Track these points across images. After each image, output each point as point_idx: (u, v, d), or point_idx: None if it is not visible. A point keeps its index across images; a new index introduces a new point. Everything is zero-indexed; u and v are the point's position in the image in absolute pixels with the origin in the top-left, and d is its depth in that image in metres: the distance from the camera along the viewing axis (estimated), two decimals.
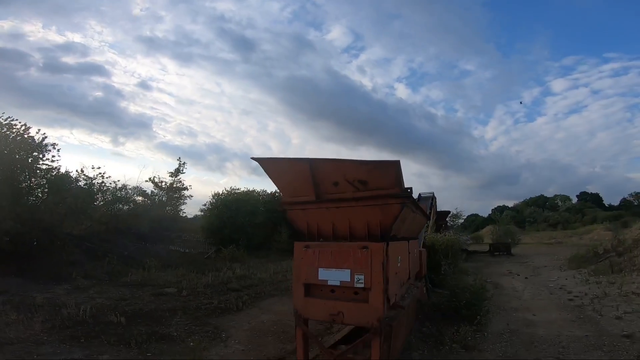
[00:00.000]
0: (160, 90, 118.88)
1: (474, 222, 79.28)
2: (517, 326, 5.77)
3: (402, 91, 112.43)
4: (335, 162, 3.58)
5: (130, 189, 14.29)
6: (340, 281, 3.42)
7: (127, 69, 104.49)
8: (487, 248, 18.87)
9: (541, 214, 68.09)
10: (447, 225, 15.68)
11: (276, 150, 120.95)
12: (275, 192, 23.67)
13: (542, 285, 9.09)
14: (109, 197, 13.21)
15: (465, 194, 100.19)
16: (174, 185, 16.62)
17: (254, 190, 22.20)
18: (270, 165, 3.89)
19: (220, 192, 21.31)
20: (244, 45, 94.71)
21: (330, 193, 3.61)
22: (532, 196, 76.12)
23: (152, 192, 16.37)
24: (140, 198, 15.00)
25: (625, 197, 65.28)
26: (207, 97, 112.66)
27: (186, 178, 76.44)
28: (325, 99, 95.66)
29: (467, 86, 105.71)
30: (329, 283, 3.49)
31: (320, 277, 3.54)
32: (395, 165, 3.26)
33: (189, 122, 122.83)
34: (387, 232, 3.45)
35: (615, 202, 65.97)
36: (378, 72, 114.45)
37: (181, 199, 16.99)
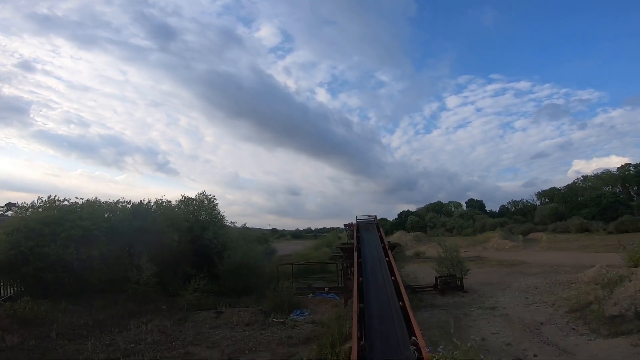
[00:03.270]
0: (47, 74, 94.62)
1: (384, 227, 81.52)
2: None
3: (322, 96, 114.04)
4: None
5: None
6: None
7: (7, 48, 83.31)
8: (426, 278, 15.11)
9: (439, 219, 73.36)
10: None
11: (187, 148, 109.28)
12: (143, 201, 15.67)
13: None
14: None
15: (374, 198, 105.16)
16: None
17: (96, 201, 13.86)
18: None
19: (31, 204, 12.47)
20: (163, 33, 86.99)
21: None
22: (426, 201, 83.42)
23: None
24: None
25: (504, 204, 74.94)
26: (108, 85, 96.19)
27: (72, 173, 61.73)
28: (248, 97, 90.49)
29: (381, 96, 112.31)
30: None
31: None
32: None
33: (79, 111, 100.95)
34: None
35: (494, 208, 75.53)
36: (303, 75, 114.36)
37: None
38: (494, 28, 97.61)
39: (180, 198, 17.73)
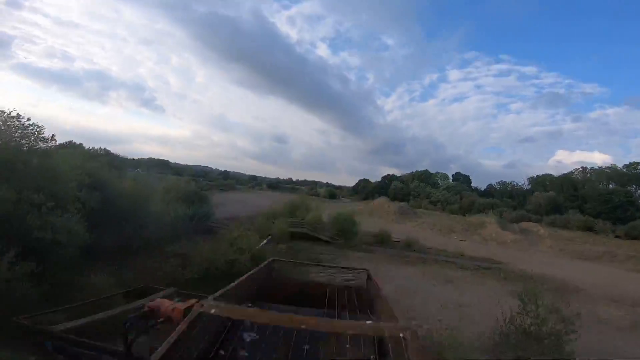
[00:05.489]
0: (34, 10, 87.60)
1: (365, 189, 75.88)
2: None
3: (323, 51, 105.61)
4: None
5: None
6: None
7: None
8: None
9: (424, 189, 68.18)
10: None
11: (175, 87, 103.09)
12: None
13: None
14: None
15: (359, 156, 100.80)
16: None
17: None
18: None
19: None
20: None
21: None
22: (410, 166, 79.72)
23: None
24: None
25: (491, 183, 70.45)
26: (98, 22, 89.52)
27: (50, 105, 51.20)
28: (245, 42, 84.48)
29: (383, 59, 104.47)
30: None
31: None
32: None
33: (65, 46, 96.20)
34: None
35: (476, 184, 71.43)
36: (307, 27, 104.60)
37: None
38: (512, 9, 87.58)
39: None
